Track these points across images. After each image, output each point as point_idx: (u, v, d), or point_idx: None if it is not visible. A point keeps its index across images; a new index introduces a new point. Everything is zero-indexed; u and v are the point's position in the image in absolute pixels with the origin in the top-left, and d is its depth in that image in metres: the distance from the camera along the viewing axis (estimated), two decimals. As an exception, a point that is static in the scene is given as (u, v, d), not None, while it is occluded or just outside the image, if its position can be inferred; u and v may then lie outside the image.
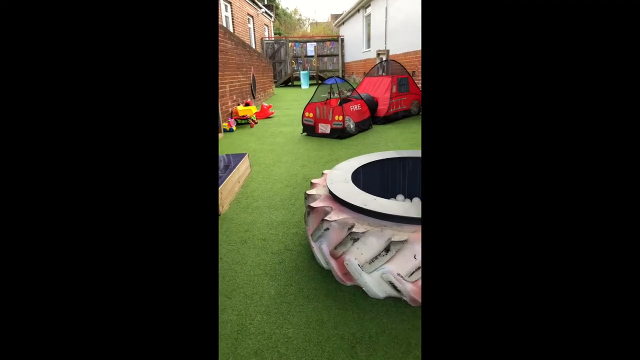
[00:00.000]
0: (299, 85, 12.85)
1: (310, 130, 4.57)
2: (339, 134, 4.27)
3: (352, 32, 13.62)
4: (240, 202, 2.60)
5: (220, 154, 3.54)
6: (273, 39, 16.22)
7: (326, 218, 1.52)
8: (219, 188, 2.40)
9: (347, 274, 1.50)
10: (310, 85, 12.87)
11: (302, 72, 12.90)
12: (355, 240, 1.41)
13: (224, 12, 10.06)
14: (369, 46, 11.10)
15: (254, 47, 13.47)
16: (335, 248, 1.48)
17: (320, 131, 4.50)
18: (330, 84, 4.75)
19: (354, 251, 1.42)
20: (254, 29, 13.63)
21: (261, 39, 14.80)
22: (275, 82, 13.55)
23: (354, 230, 1.41)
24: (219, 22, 7.62)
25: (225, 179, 2.59)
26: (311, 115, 4.50)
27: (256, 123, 5.71)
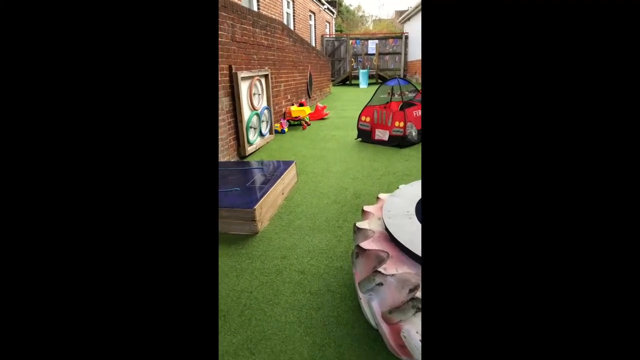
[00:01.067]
0: (357, 85, 12.45)
1: (365, 136, 4.20)
2: (399, 142, 3.84)
3: (418, 29, 12.84)
4: (281, 218, 2.35)
5: (267, 159, 3.36)
6: (334, 36, 16.03)
7: (380, 269, 1.17)
8: (258, 204, 2.18)
9: (403, 346, 1.14)
10: (369, 84, 12.40)
11: (361, 71, 12.49)
12: (419, 309, 1.04)
13: (285, 9, 10.06)
14: (436, 43, 10.31)
15: (313, 44, 13.39)
16: (390, 312, 1.13)
17: (377, 137, 4.11)
18: (392, 86, 4.32)
19: (417, 322, 1.06)
20: (315, 26, 13.55)
21: (322, 36, 14.69)
22: (332, 81, 13.34)
23: (418, 295, 1.05)
24: (280, 19, 7.55)
25: (267, 190, 2.36)
26: (368, 119, 4.13)
27: (309, 125, 5.49)
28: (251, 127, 3.98)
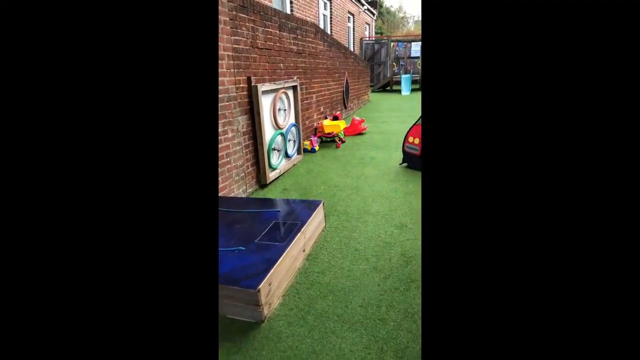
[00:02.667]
0: (399, 91, 11.62)
1: (414, 161, 3.47)
2: (457, 172, 3.08)
3: (469, 28, 11.79)
4: (299, 295, 1.71)
5: (284, 198, 2.71)
6: (374, 38, 15.33)
7: None
8: (264, 281, 1.56)
9: None
10: (412, 91, 11.52)
11: (403, 76, 11.64)
12: None
13: (322, 11, 9.56)
14: (492, 44, 9.27)
15: (352, 48, 12.79)
16: None
17: (427, 164, 3.37)
18: None
19: None
20: (353, 28, 12.95)
21: (360, 39, 14.05)
22: (371, 86, 12.62)
23: None
24: (315, 22, 7.02)
25: (281, 255, 1.74)
26: (417, 141, 3.40)
27: (344, 142, 4.85)
28: (274, 149, 3.41)
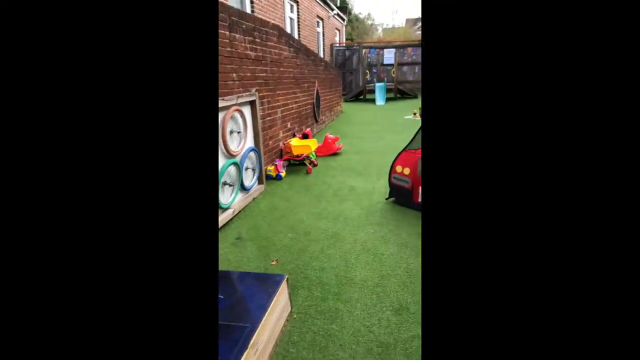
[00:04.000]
0: (373, 100, 11.15)
1: (405, 196, 2.82)
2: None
3: (442, 36, 11.60)
4: None
5: (230, 271, 1.84)
6: (344, 44, 14.92)
7: None
8: None
9: None
10: (387, 100, 11.09)
11: (377, 84, 11.19)
12: None
13: (289, 13, 8.92)
14: (468, 52, 9.02)
15: (322, 54, 12.26)
16: None
17: (421, 200, 2.73)
18: None
19: None
20: (323, 34, 12.43)
21: (331, 45, 13.57)
22: (344, 95, 12.11)
23: None
24: (280, 25, 6.34)
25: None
26: (407, 171, 2.76)
27: (316, 165, 4.16)
28: (225, 184, 2.65)
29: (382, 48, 13.94)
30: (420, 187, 2.73)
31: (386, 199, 2.99)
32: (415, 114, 7.71)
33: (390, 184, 2.91)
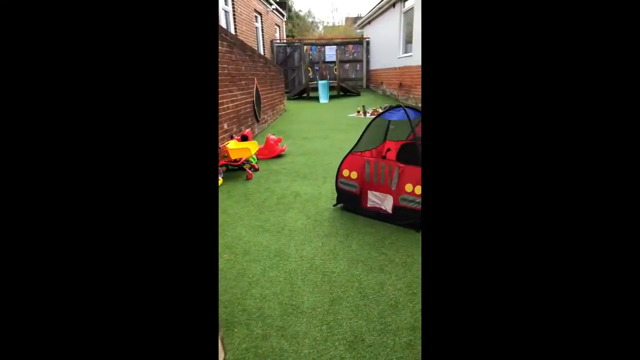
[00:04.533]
0: (317, 98, 11.00)
1: (352, 201, 2.64)
2: (414, 218, 2.32)
3: (381, 33, 11.82)
4: None
5: None
6: (285, 41, 14.60)
7: None
8: None
9: None
10: (331, 98, 11.01)
11: (320, 82, 11.06)
12: None
13: (223, 6, 8.38)
14: (407, 50, 9.24)
15: (262, 50, 11.83)
16: None
17: (370, 205, 2.57)
18: (392, 121, 2.80)
19: None
20: (262, 29, 11.99)
21: (271, 41, 13.17)
22: (287, 93, 11.82)
23: None
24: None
25: None
26: (355, 175, 2.58)
27: (257, 170, 3.83)
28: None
29: (324, 45, 13.88)
30: (368, 192, 2.56)
31: (334, 205, 2.78)
32: (359, 111, 7.68)
33: (338, 189, 2.70)
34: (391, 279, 1.84)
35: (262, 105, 6.14)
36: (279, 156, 4.38)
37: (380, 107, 8.04)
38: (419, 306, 1.63)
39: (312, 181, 3.42)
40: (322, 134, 5.71)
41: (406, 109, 2.42)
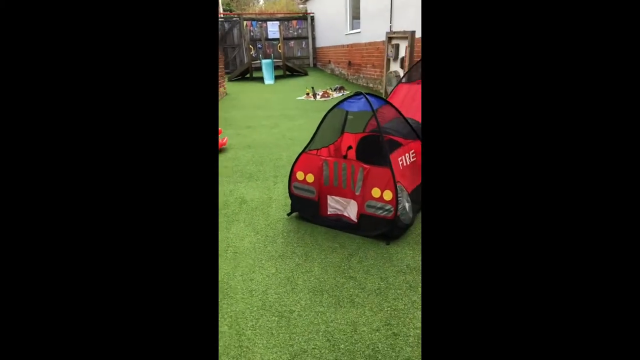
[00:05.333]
0: (261, 79, 10.27)
1: (309, 208, 2.25)
2: (383, 229, 1.99)
3: (326, 9, 11.29)
4: None
5: None
6: (222, 16, 13.46)
7: None
8: None
9: None
10: (276, 78, 10.35)
11: (263, 61, 10.31)
12: None
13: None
14: (355, 26, 8.86)
15: (195, 26, 10.69)
16: None
17: (331, 212, 2.20)
18: (349, 112, 2.35)
19: None
20: (194, 2, 10.81)
21: (206, 15, 11.99)
22: (227, 74, 10.91)
23: None
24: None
25: None
26: (311, 178, 2.18)
27: (193, 170, 3.27)
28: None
29: (265, 21, 13.00)
30: (328, 198, 2.18)
31: (288, 214, 2.37)
32: (308, 93, 7.20)
33: (292, 194, 2.29)
34: (365, 314, 1.50)
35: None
36: (219, 150, 3.82)
37: (331, 88, 7.63)
38: (403, 354, 1.31)
39: (260, 182, 2.96)
40: (270, 122, 5.20)
41: (368, 97, 2.04)
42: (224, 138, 3.95)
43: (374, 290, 1.64)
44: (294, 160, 2.25)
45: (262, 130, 4.72)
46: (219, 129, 3.88)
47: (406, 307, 1.53)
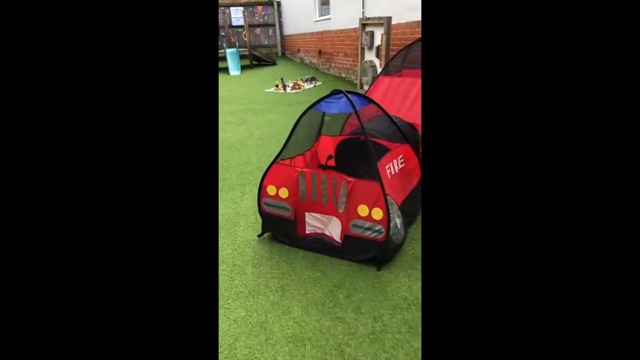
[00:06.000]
0: (226, 70, 9.68)
1: (283, 228, 1.92)
2: (373, 252, 1.70)
3: (293, -7, 10.78)
4: None
5: None
6: (181, 1, 12.59)
7: None
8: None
9: None
10: (243, 69, 9.79)
11: (228, 51, 9.68)
12: None
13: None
14: (324, 13, 8.46)
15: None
16: None
17: (310, 232, 1.89)
18: (325, 114, 1.99)
19: None
20: (148, -15, 9.97)
21: None
22: (189, 65, 10.21)
23: None
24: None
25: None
26: (285, 194, 1.85)
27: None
28: None
29: (228, 6, 12.30)
30: (306, 215, 1.87)
31: (259, 235, 2.04)
32: (277, 85, 6.78)
33: (262, 212, 1.96)
34: (359, 373, 1.22)
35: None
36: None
37: (302, 79, 7.24)
38: None
39: (225, 194, 2.59)
40: (236, 118, 4.78)
41: (349, 95, 1.73)
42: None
43: (367, 335, 1.36)
44: (264, 164, 1.91)
45: (227, 128, 4.31)
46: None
47: (408, 357, 1.26)
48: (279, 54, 13.01)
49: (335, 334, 1.38)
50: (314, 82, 7.04)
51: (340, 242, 1.80)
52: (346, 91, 1.74)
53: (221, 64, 10.04)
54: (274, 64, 10.60)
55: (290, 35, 12.07)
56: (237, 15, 12.21)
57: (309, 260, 1.81)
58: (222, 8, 12.15)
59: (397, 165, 1.95)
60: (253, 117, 4.75)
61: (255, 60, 10.42)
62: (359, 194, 1.67)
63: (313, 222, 1.88)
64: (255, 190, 2.27)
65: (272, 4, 12.55)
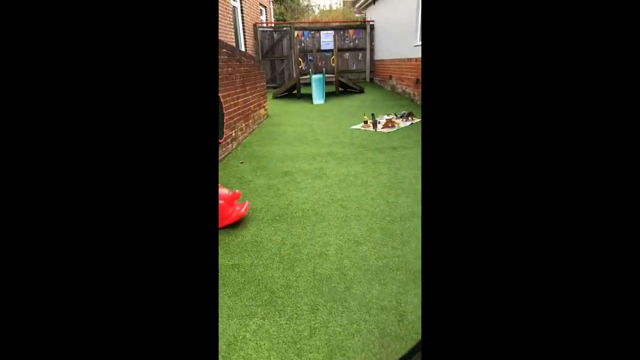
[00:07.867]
0: (309, 97, 9.20)
1: None
2: None
3: (390, 16, 10.06)
4: None
5: None
6: (272, 25, 12.79)
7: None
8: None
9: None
10: (328, 96, 9.21)
11: (313, 77, 9.20)
12: None
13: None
14: (426, 37, 7.51)
15: (241, 36, 10.05)
16: None
17: None
18: None
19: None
20: (241, 10, 10.17)
21: (254, 25, 11.35)
22: (273, 88, 10.03)
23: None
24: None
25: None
26: None
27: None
28: None
29: (319, 30, 12.09)
30: None
31: None
32: (366, 121, 5.88)
33: None
34: None
35: (225, 119, 4.41)
36: (233, 225, 2.66)
37: (396, 115, 6.29)
38: None
39: (290, 309, 1.71)
40: (313, 167, 3.98)
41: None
42: (244, 203, 2.78)
43: None
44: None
45: (302, 182, 3.50)
46: (237, 192, 2.71)
47: None
48: (367, 79, 12.33)
49: None
50: (410, 119, 6.02)
51: None
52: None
53: (305, 90, 9.63)
54: (361, 91, 9.87)
55: (381, 60, 11.31)
56: (326, 39, 11.91)
57: None
58: (312, 32, 11.97)
59: None
60: (335, 167, 3.90)
61: (341, 86, 9.81)
62: None
63: None
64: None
65: (364, 27, 12.01)
